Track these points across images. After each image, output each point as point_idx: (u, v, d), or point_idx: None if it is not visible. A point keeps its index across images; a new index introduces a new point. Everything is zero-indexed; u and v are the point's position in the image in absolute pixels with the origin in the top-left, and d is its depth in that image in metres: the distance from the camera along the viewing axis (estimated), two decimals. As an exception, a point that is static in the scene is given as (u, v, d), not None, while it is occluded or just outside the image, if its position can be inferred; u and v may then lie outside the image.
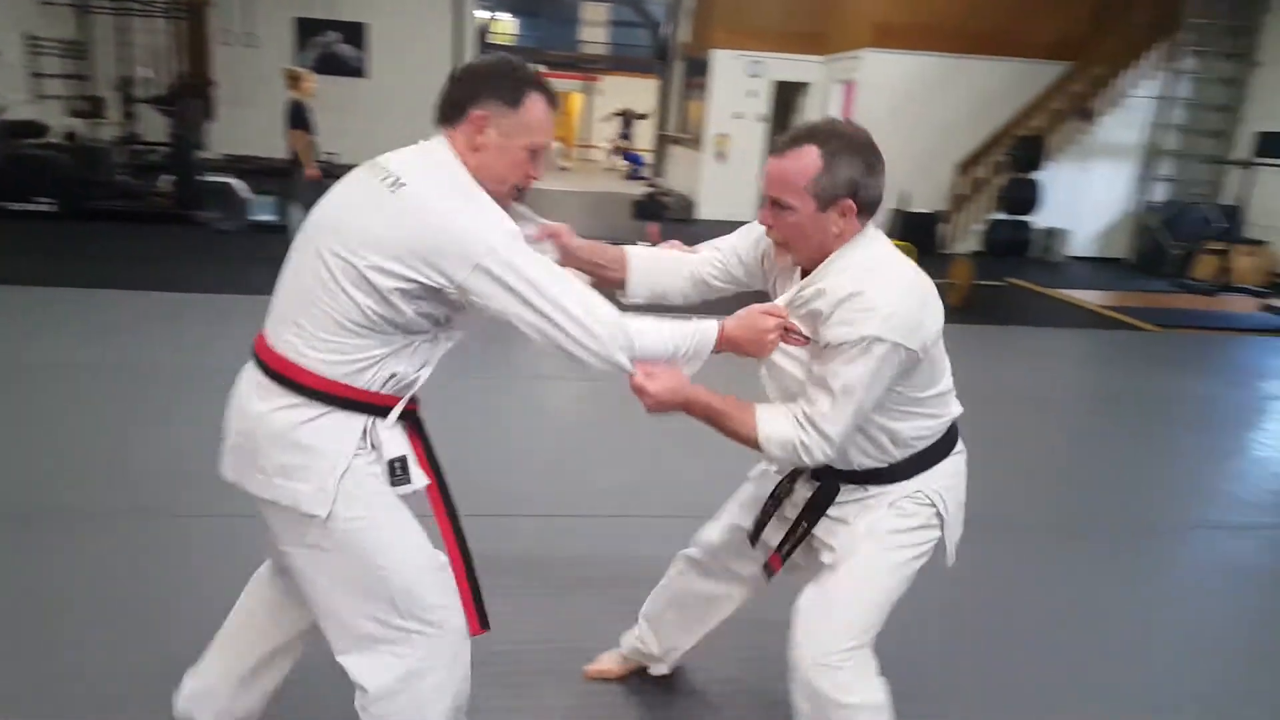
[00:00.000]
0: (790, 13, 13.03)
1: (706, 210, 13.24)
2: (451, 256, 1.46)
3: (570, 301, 1.52)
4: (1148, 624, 2.89)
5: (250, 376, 1.61)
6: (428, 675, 1.64)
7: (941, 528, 1.78)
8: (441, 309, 1.56)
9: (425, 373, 1.63)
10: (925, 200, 11.40)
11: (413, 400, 1.65)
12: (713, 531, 2.09)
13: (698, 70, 14.32)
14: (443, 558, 1.67)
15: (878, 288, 1.58)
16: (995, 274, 9.37)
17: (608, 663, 2.39)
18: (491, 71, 1.59)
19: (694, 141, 14.40)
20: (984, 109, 11.31)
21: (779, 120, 13.74)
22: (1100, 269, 10.98)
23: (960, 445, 1.85)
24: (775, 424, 1.64)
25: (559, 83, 27.19)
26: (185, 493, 3.21)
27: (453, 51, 13.90)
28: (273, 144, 8.54)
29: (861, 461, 1.75)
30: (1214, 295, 9.33)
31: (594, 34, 26.58)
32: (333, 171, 9.94)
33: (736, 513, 2.05)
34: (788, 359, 1.71)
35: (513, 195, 1.64)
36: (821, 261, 1.65)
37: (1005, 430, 4.56)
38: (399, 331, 1.53)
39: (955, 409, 1.81)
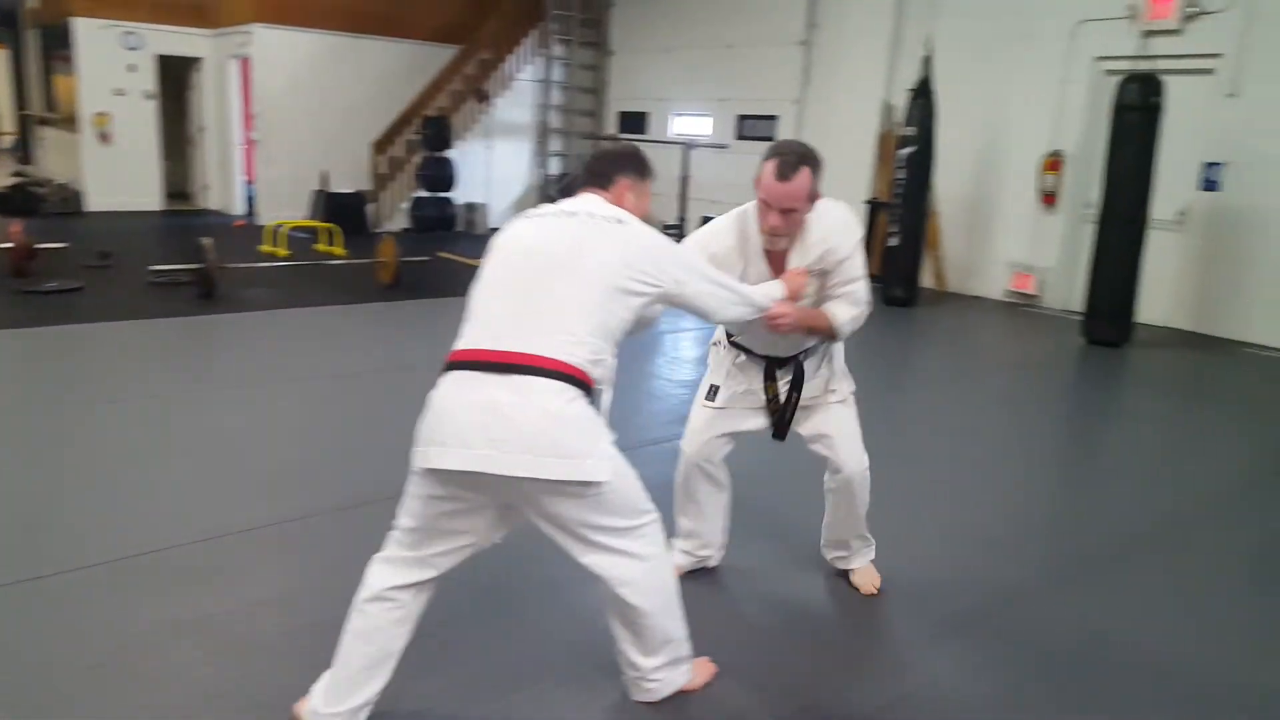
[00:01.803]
0: (164, -19, 11.84)
1: (97, 200, 11.41)
2: (667, 263, 2.16)
3: (730, 281, 2.37)
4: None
5: (493, 380, 1.95)
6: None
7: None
8: (645, 311, 2.19)
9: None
10: (348, 180, 11.38)
11: None
12: (709, 449, 2.84)
13: (59, 41, 12.25)
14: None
15: (837, 219, 2.60)
16: (425, 250, 9.73)
17: None
18: (625, 153, 2.36)
19: (68, 122, 12.35)
20: (386, 89, 11.59)
21: (173, 96, 12.47)
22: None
23: None
24: (843, 312, 2.62)
25: None
26: None
27: None
28: None
29: (807, 343, 2.74)
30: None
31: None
32: None
33: (718, 428, 2.83)
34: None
35: None
36: (798, 233, 2.57)
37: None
38: (621, 333, 2.10)
39: None
